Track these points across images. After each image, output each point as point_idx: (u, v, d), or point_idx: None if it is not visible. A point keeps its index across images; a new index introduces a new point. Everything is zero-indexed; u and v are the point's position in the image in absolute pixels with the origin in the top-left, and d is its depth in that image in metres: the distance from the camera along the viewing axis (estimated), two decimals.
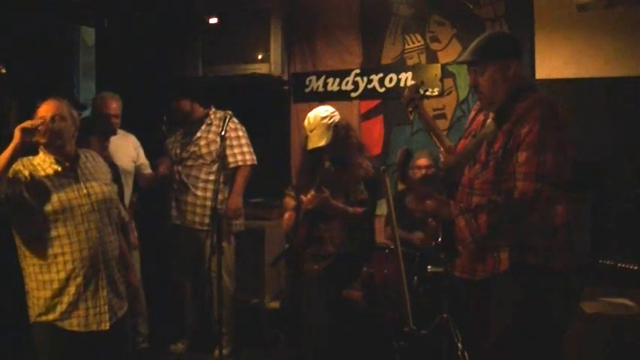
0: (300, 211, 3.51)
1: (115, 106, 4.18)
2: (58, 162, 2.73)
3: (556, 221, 2.46)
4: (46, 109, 2.71)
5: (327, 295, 3.47)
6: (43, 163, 2.73)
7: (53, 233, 2.66)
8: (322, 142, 3.48)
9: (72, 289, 2.68)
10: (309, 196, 3.42)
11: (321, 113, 3.55)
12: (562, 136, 2.41)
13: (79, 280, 2.69)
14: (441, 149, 3.05)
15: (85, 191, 2.75)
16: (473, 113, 2.84)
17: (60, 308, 2.67)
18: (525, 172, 2.38)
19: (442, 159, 3.07)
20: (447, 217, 2.52)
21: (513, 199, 2.38)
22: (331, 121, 3.51)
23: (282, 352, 4.48)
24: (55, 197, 2.66)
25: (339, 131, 3.52)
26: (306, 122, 3.59)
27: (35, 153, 2.76)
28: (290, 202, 3.72)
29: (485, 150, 2.53)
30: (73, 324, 2.69)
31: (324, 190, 3.38)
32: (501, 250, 2.45)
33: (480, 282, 2.51)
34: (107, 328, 2.72)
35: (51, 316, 2.68)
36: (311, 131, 3.53)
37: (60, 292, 2.67)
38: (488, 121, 2.64)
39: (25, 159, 2.71)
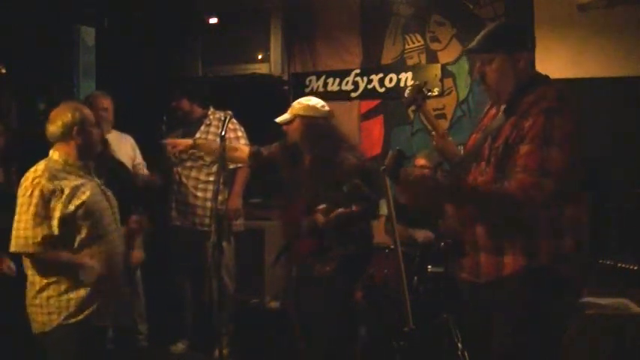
0: (307, 225, 3.47)
1: (106, 101, 4.24)
2: (82, 167, 2.82)
3: (564, 223, 2.33)
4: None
5: (337, 295, 3.44)
6: (70, 167, 2.78)
7: (90, 234, 2.74)
8: (282, 119, 3.50)
9: (107, 287, 2.77)
10: (319, 217, 3.36)
11: (303, 100, 3.53)
12: (570, 131, 2.27)
13: (112, 277, 2.80)
14: (433, 133, 2.90)
15: (104, 195, 2.88)
16: (487, 107, 2.71)
17: (93, 307, 2.74)
18: (526, 165, 2.24)
19: (434, 143, 2.96)
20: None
21: (510, 192, 2.25)
22: (302, 110, 3.45)
23: (282, 352, 4.48)
24: (89, 201, 2.74)
25: (319, 128, 3.44)
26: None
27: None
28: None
29: (488, 145, 2.42)
30: (105, 320, 2.82)
31: (328, 208, 3.33)
32: (505, 253, 2.36)
33: (484, 285, 2.45)
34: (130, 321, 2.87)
35: (81, 316, 2.72)
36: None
37: (95, 291, 2.74)
38: (499, 114, 2.51)
39: (49, 166, 2.74)
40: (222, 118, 3.67)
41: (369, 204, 3.36)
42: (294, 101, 3.63)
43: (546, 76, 2.51)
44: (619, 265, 3.66)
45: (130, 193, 3.94)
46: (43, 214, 2.65)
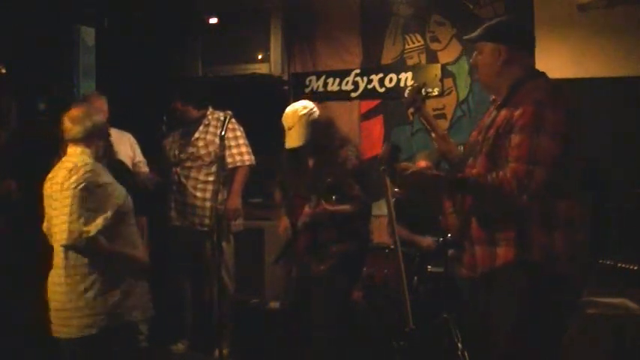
0: (298, 221, 3.49)
1: (99, 101, 4.24)
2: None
3: (558, 217, 2.34)
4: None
5: (337, 295, 3.44)
6: (100, 167, 2.82)
7: (122, 230, 2.80)
8: (300, 142, 3.42)
9: (142, 283, 2.86)
10: (306, 210, 3.39)
11: (300, 110, 3.46)
12: (562, 123, 2.31)
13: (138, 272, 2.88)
14: (434, 135, 2.91)
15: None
16: (489, 105, 2.78)
17: (130, 303, 2.78)
18: (518, 155, 2.28)
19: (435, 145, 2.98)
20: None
21: (505, 181, 2.28)
22: (311, 118, 3.43)
23: (282, 352, 4.48)
24: (127, 198, 2.81)
25: (318, 128, 3.45)
26: (284, 118, 3.50)
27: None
28: (279, 195, 3.77)
29: (482, 137, 2.47)
30: (138, 316, 2.86)
31: (320, 203, 3.34)
32: (498, 245, 2.37)
33: (481, 278, 2.46)
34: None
35: (127, 315, 2.77)
36: (289, 129, 3.45)
37: (132, 288, 2.81)
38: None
39: (92, 161, 2.76)
40: (222, 118, 3.68)
41: (361, 204, 3.40)
42: (292, 104, 3.61)
43: (542, 73, 2.54)
44: (619, 265, 3.66)
45: (132, 192, 3.94)
46: (95, 207, 2.66)
